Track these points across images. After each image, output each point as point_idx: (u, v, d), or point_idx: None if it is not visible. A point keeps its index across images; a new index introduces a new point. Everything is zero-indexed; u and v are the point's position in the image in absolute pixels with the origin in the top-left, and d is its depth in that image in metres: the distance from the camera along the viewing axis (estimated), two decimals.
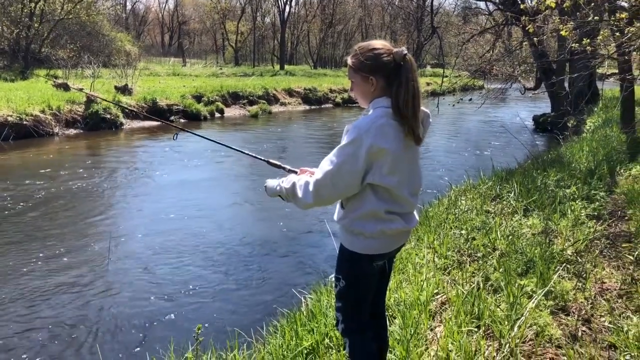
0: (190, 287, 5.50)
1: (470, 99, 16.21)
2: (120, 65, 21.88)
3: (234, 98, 22.81)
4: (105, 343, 4.40)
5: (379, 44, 2.27)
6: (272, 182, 2.53)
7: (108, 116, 16.41)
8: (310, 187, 2.25)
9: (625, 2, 6.02)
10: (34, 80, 20.83)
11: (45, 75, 21.49)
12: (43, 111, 15.06)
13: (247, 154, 2.95)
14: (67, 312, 4.91)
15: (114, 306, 5.06)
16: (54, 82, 18.61)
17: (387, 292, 3.72)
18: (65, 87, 18.02)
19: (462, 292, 3.81)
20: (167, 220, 7.61)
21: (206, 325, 4.45)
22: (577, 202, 6.16)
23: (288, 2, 52.01)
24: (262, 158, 2.82)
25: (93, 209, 8.15)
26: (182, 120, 18.48)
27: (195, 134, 3.15)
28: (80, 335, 4.54)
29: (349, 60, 2.32)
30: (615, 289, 4.04)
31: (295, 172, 2.63)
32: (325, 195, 2.23)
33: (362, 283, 2.41)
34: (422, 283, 3.98)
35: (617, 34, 5.79)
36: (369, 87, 2.28)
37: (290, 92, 26.45)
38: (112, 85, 19.06)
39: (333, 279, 2.49)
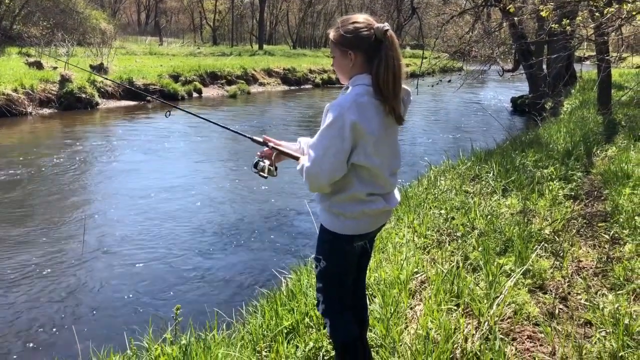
0: (169, 268, 5.45)
1: (449, 81, 16.21)
2: (96, 44, 21.37)
3: (212, 78, 22.52)
4: (82, 326, 4.33)
5: (360, 18, 2.20)
6: (301, 161, 2.33)
7: (83, 95, 16.10)
8: (304, 177, 2.20)
9: None
10: (5, 58, 20.27)
11: (17, 53, 20.96)
12: (16, 90, 14.70)
13: (236, 132, 2.87)
14: (41, 297, 4.82)
15: (90, 289, 5.00)
16: (27, 60, 18.16)
17: (367, 272, 3.72)
18: (39, 66, 17.61)
19: (442, 271, 3.82)
20: (144, 201, 7.51)
21: (185, 306, 4.41)
22: (554, 182, 6.22)
23: None
24: (246, 134, 2.75)
25: (67, 191, 8.01)
26: (158, 101, 18.19)
27: (188, 112, 3.06)
28: (55, 319, 4.47)
29: (330, 34, 2.25)
30: (591, 268, 4.10)
31: (267, 145, 2.52)
32: (318, 182, 2.17)
33: (343, 263, 2.39)
34: (402, 262, 3.99)
35: (597, 14, 5.81)
36: (348, 62, 2.22)
37: (269, 72, 26.20)
38: (87, 64, 18.65)
39: (313, 259, 2.46)
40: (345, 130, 2.08)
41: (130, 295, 4.88)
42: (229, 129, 2.89)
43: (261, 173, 2.47)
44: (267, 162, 2.48)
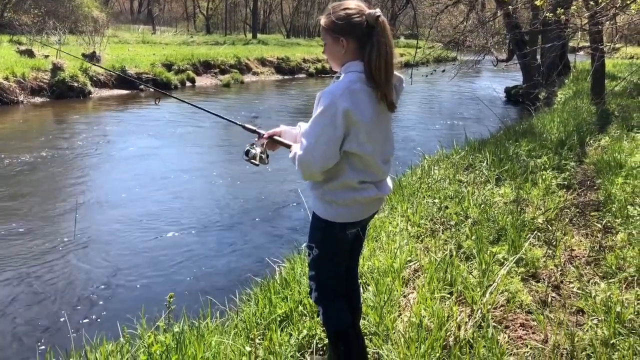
0: (162, 256, 5.44)
1: (444, 71, 16.20)
2: (88, 32, 21.14)
3: (206, 67, 22.38)
4: (74, 314, 4.33)
5: (352, 4, 2.18)
6: (293, 149, 2.35)
7: (76, 84, 15.96)
8: (297, 166, 2.19)
9: None
10: None
11: (8, 41, 20.74)
12: (7, 78, 14.56)
13: (226, 119, 2.85)
14: (33, 285, 4.80)
15: (82, 277, 4.98)
16: (18, 48, 17.97)
17: (361, 260, 3.73)
18: (30, 54, 17.43)
19: (435, 259, 3.83)
20: (137, 189, 7.48)
21: (178, 294, 4.40)
22: (548, 171, 6.23)
23: None
24: (238, 122, 2.74)
25: (59, 179, 7.96)
26: (151, 89, 18.10)
27: (178, 99, 3.03)
28: (47, 307, 4.46)
29: (321, 20, 2.23)
30: (584, 256, 4.12)
31: (261, 134, 2.54)
32: (311, 170, 2.16)
33: (335, 251, 2.39)
34: (395, 251, 3.99)
35: (591, 3, 5.79)
36: (340, 48, 2.20)
37: (263, 62, 26.05)
38: (80, 52, 18.47)
39: (306, 247, 2.46)
40: (338, 118, 2.07)
41: (123, 284, 4.87)
42: (219, 116, 2.87)
43: (252, 161, 2.48)
44: (258, 150, 2.48)
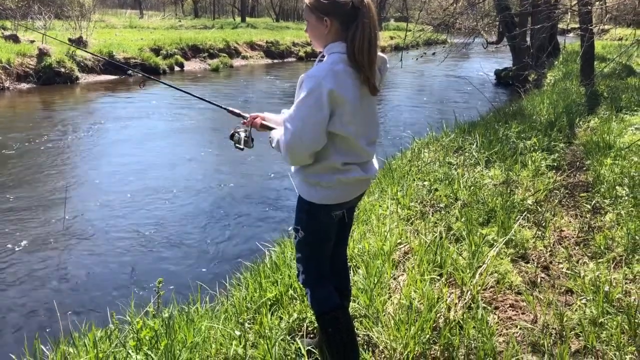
0: (151, 241, 5.41)
1: (434, 53, 16.14)
2: (74, 17, 20.84)
3: (194, 51, 22.19)
4: (63, 301, 4.30)
5: None
6: (274, 134, 2.34)
7: (62, 70, 15.77)
8: (283, 151, 2.16)
9: None
10: None
11: None
12: None
13: (211, 103, 2.82)
14: (21, 273, 4.77)
15: (70, 264, 4.95)
16: (2, 33, 17.69)
17: (351, 243, 3.73)
18: (15, 39, 17.17)
19: (425, 241, 3.83)
20: (125, 176, 7.42)
21: (168, 280, 4.39)
22: (537, 153, 6.24)
23: None
24: (222, 106, 2.71)
25: (47, 166, 7.88)
26: (140, 75, 17.90)
27: (164, 83, 2.98)
28: (36, 294, 4.43)
29: None
30: (573, 237, 4.14)
31: (245, 117, 2.54)
32: (300, 155, 2.14)
33: (321, 233, 2.38)
34: (385, 234, 3.99)
35: None
36: (323, 28, 2.17)
37: (252, 46, 25.86)
38: (66, 37, 18.23)
39: (292, 230, 2.45)
40: (323, 99, 2.05)
41: (112, 270, 4.85)
42: (204, 100, 2.85)
43: (237, 145, 2.48)
44: (242, 134, 2.48)
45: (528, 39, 16.60)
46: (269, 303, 3.18)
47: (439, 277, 3.41)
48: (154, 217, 6.03)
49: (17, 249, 5.18)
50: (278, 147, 2.22)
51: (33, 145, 8.82)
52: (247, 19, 45.15)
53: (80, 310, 4.16)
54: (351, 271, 3.38)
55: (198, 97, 2.85)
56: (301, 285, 2.98)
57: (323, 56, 2.21)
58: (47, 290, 4.48)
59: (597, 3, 6.00)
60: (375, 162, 2.40)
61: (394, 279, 3.48)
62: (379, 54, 2.21)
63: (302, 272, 2.43)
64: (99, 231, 5.65)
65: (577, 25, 15.51)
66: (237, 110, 2.61)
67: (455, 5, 16.52)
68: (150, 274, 4.70)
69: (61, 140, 9.24)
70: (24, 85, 14.85)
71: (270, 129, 2.43)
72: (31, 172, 7.51)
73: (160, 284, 3.04)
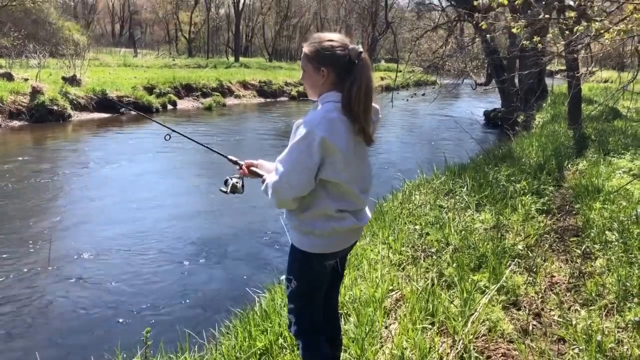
0: (139, 286, 5.33)
1: (424, 94, 16.42)
2: (68, 55, 21.05)
3: (187, 90, 22.41)
4: (47, 349, 4.19)
5: (336, 37, 2.24)
6: (266, 178, 2.36)
7: (55, 107, 15.84)
8: (269, 192, 2.20)
9: (573, 1, 6.16)
10: None
11: None
12: None
13: (213, 150, 2.84)
14: (3, 317, 4.67)
15: (56, 309, 4.85)
16: None
17: (342, 289, 3.70)
18: (9, 77, 17.27)
19: (417, 288, 3.81)
20: (114, 216, 7.37)
21: (156, 326, 4.32)
22: (527, 196, 6.28)
23: None
24: (222, 153, 2.74)
25: (35, 205, 7.82)
26: (132, 112, 18.00)
27: (186, 137, 2.96)
28: (17, 341, 4.32)
29: (305, 48, 2.27)
30: (564, 283, 4.13)
31: (239, 164, 2.59)
32: (285, 197, 2.17)
33: (314, 283, 2.37)
34: (377, 280, 3.97)
35: (567, 32, 5.91)
36: (320, 78, 2.24)
37: (245, 85, 26.17)
38: (60, 75, 18.37)
39: (285, 279, 2.44)
40: (314, 146, 2.09)
41: (99, 316, 4.75)
42: (209, 148, 2.85)
43: (222, 188, 2.58)
44: (234, 180, 2.58)
45: (516, 80, 16.92)
46: (259, 352, 3.13)
47: (430, 326, 3.38)
48: (141, 261, 5.95)
49: None
50: (266, 189, 2.25)
51: (21, 183, 8.78)
52: (241, 59, 45.78)
53: (62, 358, 4.06)
54: (342, 319, 3.35)
55: (205, 146, 2.87)
56: (292, 336, 2.94)
57: (317, 105, 2.26)
58: (29, 335, 4.37)
59: (583, 51, 6.15)
60: (367, 210, 2.43)
61: (386, 327, 3.45)
62: (373, 104, 2.26)
63: (295, 323, 2.42)
64: (84, 273, 5.56)
65: (564, 67, 15.85)
66: (234, 158, 2.66)
67: (444, 48, 16.89)
68: (138, 320, 4.62)
69: (50, 179, 9.19)
70: (16, 123, 14.87)
71: (260, 175, 2.46)
72: (17, 210, 7.45)
73: (148, 334, 2.99)
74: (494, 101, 21.32)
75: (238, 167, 2.59)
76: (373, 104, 2.28)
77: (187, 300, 5.07)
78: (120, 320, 4.67)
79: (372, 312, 3.45)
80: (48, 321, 4.63)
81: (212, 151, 2.83)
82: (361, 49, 2.19)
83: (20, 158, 10.81)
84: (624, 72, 13.75)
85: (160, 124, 3.12)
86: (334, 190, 2.21)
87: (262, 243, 6.60)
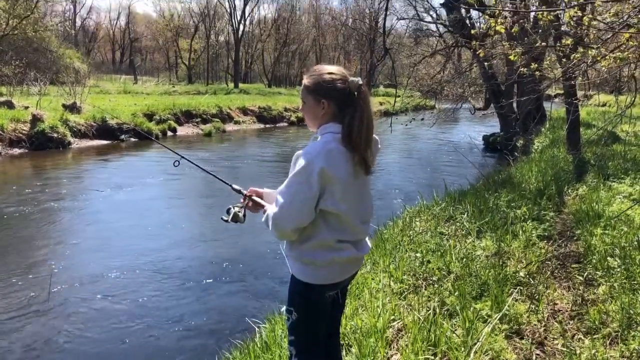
0: (139, 317, 5.28)
1: (422, 119, 16.51)
2: (69, 83, 21.22)
3: (187, 116, 22.52)
4: None
5: (336, 69, 2.27)
6: (267, 208, 2.38)
7: (55, 135, 15.90)
8: (270, 223, 2.20)
9: (570, 29, 6.23)
10: None
11: None
12: None
13: (219, 179, 2.84)
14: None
15: (55, 341, 4.79)
16: None
17: (344, 320, 3.66)
18: (10, 105, 17.38)
19: (419, 317, 3.77)
20: (113, 245, 7.34)
21: (154, 357, 4.27)
22: (528, 222, 6.27)
23: (242, 21, 52.09)
24: (227, 182, 2.73)
25: (34, 234, 7.79)
26: (132, 139, 18.07)
27: (195, 164, 2.98)
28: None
29: (305, 80, 2.30)
30: (567, 310, 4.09)
31: (243, 194, 2.58)
32: (284, 229, 2.18)
33: (315, 315, 2.35)
34: (378, 309, 3.93)
35: (564, 59, 5.97)
36: (320, 110, 2.26)
37: (244, 111, 26.32)
38: (60, 103, 18.50)
39: (285, 311, 2.42)
40: (313, 177, 2.10)
41: (96, 346, 4.70)
42: (217, 178, 2.85)
43: (222, 217, 2.57)
44: (236, 209, 2.57)
45: (515, 105, 17.05)
46: None
47: (433, 357, 3.34)
48: (142, 289, 5.91)
49: None
50: (267, 221, 2.26)
51: (20, 211, 8.75)
52: (240, 85, 46.20)
53: None
54: (344, 350, 3.32)
55: (211, 173, 2.87)
56: None
57: (317, 136, 2.28)
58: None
59: (580, 78, 6.21)
60: (367, 240, 2.43)
61: (388, 359, 3.41)
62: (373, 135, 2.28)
63: (295, 355, 2.40)
64: (85, 304, 5.51)
65: (562, 91, 15.97)
66: (238, 187, 2.66)
67: (442, 73, 17.06)
68: (137, 351, 4.57)
69: (49, 207, 9.18)
70: (16, 151, 14.92)
71: (262, 206, 2.47)
72: (17, 240, 7.41)
73: None
74: (493, 125, 21.41)
75: (242, 196, 2.59)
76: (373, 135, 2.30)
77: (187, 330, 5.02)
78: (118, 351, 4.61)
79: (373, 343, 3.41)
80: (44, 355, 4.57)
81: (217, 179, 2.84)
82: (361, 82, 2.21)
83: (18, 186, 10.81)
84: (622, 96, 13.79)
85: (171, 150, 3.14)
86: (334, 221, 2.22)
87: (261, 272, 6.55)
